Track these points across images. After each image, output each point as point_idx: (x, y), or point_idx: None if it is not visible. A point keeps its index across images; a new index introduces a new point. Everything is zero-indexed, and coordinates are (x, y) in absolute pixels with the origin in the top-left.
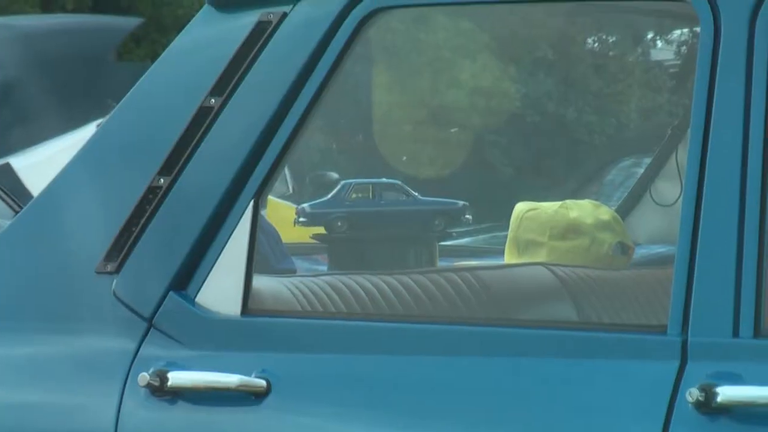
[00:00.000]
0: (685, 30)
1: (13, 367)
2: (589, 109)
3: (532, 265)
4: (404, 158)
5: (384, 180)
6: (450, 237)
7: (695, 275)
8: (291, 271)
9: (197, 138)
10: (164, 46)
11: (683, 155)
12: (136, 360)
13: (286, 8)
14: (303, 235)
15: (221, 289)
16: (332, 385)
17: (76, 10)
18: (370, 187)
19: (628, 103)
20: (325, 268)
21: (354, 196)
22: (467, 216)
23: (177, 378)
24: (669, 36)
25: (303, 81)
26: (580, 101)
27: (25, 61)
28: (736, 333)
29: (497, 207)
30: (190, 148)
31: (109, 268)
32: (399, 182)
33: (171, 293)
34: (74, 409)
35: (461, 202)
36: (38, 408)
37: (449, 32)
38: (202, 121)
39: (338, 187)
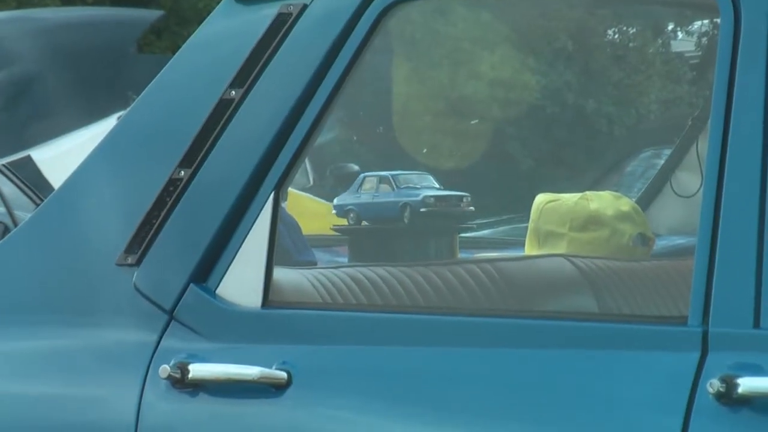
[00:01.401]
0: (706, 21)
1: (34, 360)
2: (608, 100)
3: (553, 257)
4: (424, 150)
5: (383, 173)
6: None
7: (716, 266)
8: (312, 263)
9: (218, 130)
10: (185, 39)
11: (703, 146)
12: (157, 352)
13: (306, 0)
14: (324, 226)
15: (242, 281)
16: (353, 377)
17: (96, 3)
18: (375, 180)
19: (648, 95)
20: (345, 259)
21: (366, 188)
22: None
23: (198, 370)
24: (689, 27)
25: (323, 73)
26: (600, 92)
27: (46, 54)
28: (756, 324)
29: (517, 198)
30: (210, 140)
31: (130, 260)
32: (388, 174)
33: (192, 285)
34: (95, 401)
35: (423, 194)
36: (60, 400)
37: (469, 24)
38: (223, 113)
39: (356, 179)
